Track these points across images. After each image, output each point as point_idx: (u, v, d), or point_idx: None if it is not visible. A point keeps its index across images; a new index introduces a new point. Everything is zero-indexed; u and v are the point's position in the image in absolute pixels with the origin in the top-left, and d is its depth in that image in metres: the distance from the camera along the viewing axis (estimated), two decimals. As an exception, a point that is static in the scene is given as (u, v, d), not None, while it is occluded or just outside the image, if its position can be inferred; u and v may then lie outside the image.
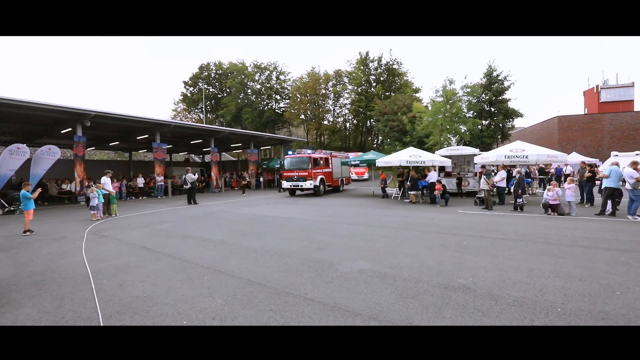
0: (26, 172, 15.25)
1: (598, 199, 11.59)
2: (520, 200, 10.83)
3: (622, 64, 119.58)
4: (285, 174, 18.69)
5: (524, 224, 8.39)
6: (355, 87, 44.96)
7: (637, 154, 20.37)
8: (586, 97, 51.42)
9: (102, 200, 11.30)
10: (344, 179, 22.66)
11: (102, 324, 3.37)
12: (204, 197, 19.07)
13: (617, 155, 21.43)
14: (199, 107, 51.56)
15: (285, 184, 18.62)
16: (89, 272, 5.09)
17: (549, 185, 10.27)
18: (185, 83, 52.54)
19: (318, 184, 18.01)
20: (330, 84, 47.68)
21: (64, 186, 17.98)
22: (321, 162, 18.99)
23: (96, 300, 3.96)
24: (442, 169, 17.33)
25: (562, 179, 19.48)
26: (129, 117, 17.69)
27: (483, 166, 12.78)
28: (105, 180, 11.82)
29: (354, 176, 30.47)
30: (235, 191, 24.75)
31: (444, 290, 4.05)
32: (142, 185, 20.15)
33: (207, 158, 32.49)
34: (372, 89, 43.34)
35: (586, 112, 45.83)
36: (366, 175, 31.72)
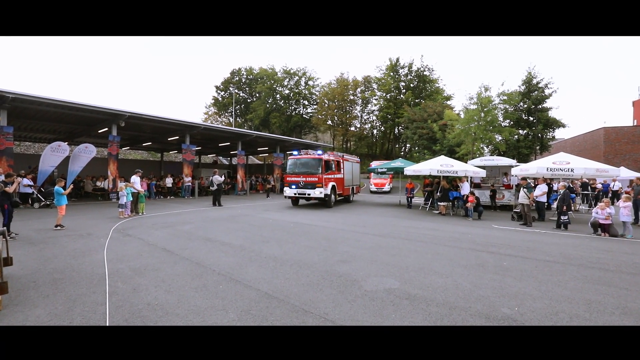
0: (66, 168, 16.04)
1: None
2: (565, 217, 9.84)
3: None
4: (288, 178, 15.13)
5: (572, 245, 7.53)
6: (384, 94, 44.25)
7: (699, 171, 18.34)
8: (636, 108, 47.50)
9: (131, 199, 11.53)
10: (354, 187, 19.39)
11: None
12: (229, 199, 19.20)
13: (673, 172, 19.38)
14: (229, 110, 52.86)
15: (288, 191, 15.10)
16: (106, 273, 5.00)
17: (601, 202, 9.24)
18: (217, 87, 54.15)
19: (329, 193, 14.70)
20: (359, 90, 47.24)
21: (98, 183, 18.76)
22: (333, 165, 15.49)
23: (107, 305, 3.79)
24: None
25: (610, 195, 17.83)
26: (160, 119, 18.23)
27: (524, 179, 11.82)
28: (135, 179, 12.07)
29: (372, 187, 27.17)
30: (260, 194, 24.84)
31: (485, 320, 3.52)
32: (170, 185, 20.64)
33: (234, 160, 33.02)
34: (402, 96, 42.41)
35: (636, 124, 42.32)
36: (387, 187, 26.81)
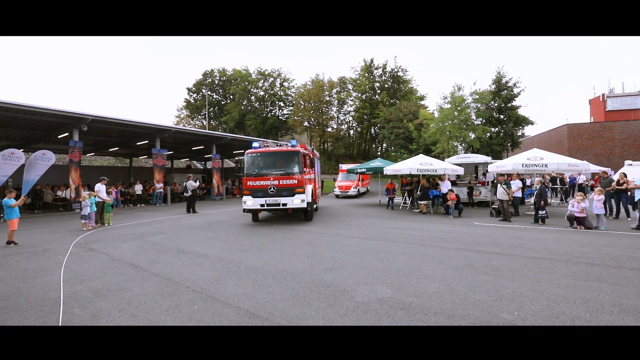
0: (22, 178, 14.64)
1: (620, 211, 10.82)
2: (543, 212, 10.02)
3: (629, 68, 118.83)
4: (249, 182, 10.38)
5: (553, 239, 7.58)
6: (360, 94, 44.47)
7: (653, 163, 19.57)
8: (592, 106, 50.74)
9: (95, 209, 10.62)
10: (319, 190, 16.73)
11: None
12: (205, 205, 18.37)
13: (631, 164, 20.61)
14: (202, 113, 51.22)
15: (250, 202, 10.32)
16: (62, 297, 4.36)
17: (577, 196, 9.47)
18: (189, 90, 52.31)
19: (310, 200, 11.05)
20: (335, 90, 47.17)
21: (59, 193, 17.37)
22: (308, 162, 12.24)
23: (59, 339, 3.22)
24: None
25: (576, 188, 18.64)
26: (127, 122, 17.14)
27: (502, 175, 12.01)
28: (100, 188, 11.14)
29: (336, 191, 23.53)
30: (237, 199, 24.03)
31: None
32: (140, 192, 19.50)
33: (209, 165, 31.91)
34: (377, 96, 42.80)
35: (592, 121, 45.11)
36: (353, 191, 22.83)
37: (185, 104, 52.93)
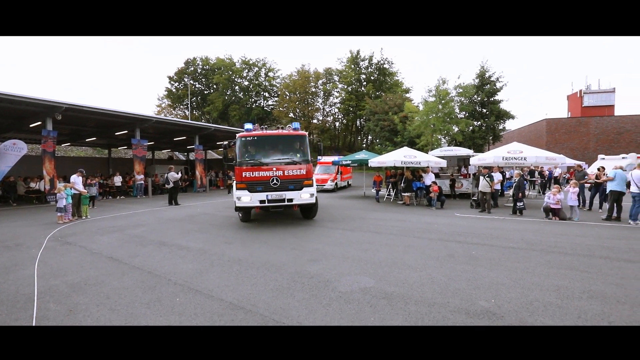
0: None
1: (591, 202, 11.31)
2: (521, 204, 10.36)
3: (605, 65, 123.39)
4: (246, 173, 8.43)
5: (530, 230, 7.87)
6: (346, 86, 44.30)
7: (623, 157, 20.49)
8: (570, 101, 52.37)
9: (71, 201, 10.24)
10: None
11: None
12: (187, 197, 18.03)
13: (604, 159, 21.54)
14: (184, 103, 49.87)
15: (247, 198, 8.38)
16: (36, 293, 4.21)
17: (553, 188, 9.83)
18: (170, 78, 50.72)
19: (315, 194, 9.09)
20: (320, 82, 46.81)
21: (32, 184, 16.63)
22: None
23: (32, 335, 3.11)
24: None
25: (553, 181, 19.35)
26: (105, 111, 16.51)
27: (485, 168, 12.30)
28: (76, 179, 10.73)
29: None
30: (221, 190, 23.72)
31: (466, 317, 3.39)
32: (119, 184, 18.94)
33: (192, 156, 31.25)
34: (363, 88, 42.78)
35: (570, 116, 46.66)
36: (329, 185, 20.63)
37: (166, 93, 51.36)
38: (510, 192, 11.84)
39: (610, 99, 48.05)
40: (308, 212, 9.65)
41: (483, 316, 3.39)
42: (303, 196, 8.56)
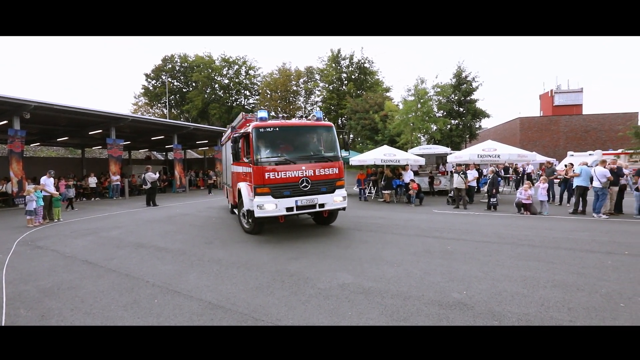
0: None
1: (557, 197, 11.91)
2: (494, 199, 10.79)
3: (574, 65, 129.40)
4: (270, 174, 6.66)
5: (503, 225, 8.23)
6: (327, 85, 44.44)
7: (590, 154, 21.62)
8: (542, 100, 54.60)
9: (42, 204, 9.84)
10: None
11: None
12: (166, 198, 17.64)
13: (572, 155, 22.68)
14: (162, 101, 48.51)
15: (271, 206, 6.64)
16: (4, 299, 4.06)
17: (525, 184, 10.29)
18: (147, 76, 49.19)
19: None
20: (302, 80, 46.75)
21: (-1, 187, 15.81)
22: None
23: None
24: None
25: (526, 178, 20.16)
26: (78, 110, 15.87)
27: (459, 165, 12.71)
28: (46, 181, 10.31)
29: None
30: (201, 191, 23.33)
31: (438, 308, 3.54)
32: (94, 185, 18.30)
33: (171, 155, 30.52)
34: (344, 87, 42.99)
35: (542, 114, 48.73)
36: None
37: (143, 90, 49.83)
38: (486, 188, 12.31)
39: (578, 98, 50.44)
40: (330, 217, 8.21)
41: (455, 307, 3.55)
42: (336, 199, 7.17)
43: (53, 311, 3.70)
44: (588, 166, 10.01)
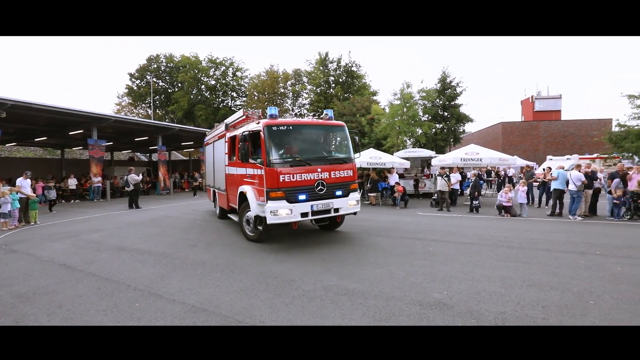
0: None
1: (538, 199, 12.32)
2: (477, 202, 11.07)
3: (555, 72, 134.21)
4: (285, 176, 6.14)
5: (484, 227, 8.45)
6: (314, 88, 44.59)
7: (567, 158, 22.43)
8: (523, 106, 56.42)
9: (18, 206, 9.50)
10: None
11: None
12: (150, 200, 17.30)
13: (551, 159, 23.47)
14: (146, 101, 47.59)
15: (285, 211, 6.08)
16: (-24, 304, 3.92)
17: (505, 187, 10.60)
18: (132, 75, 48.16)
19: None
20: (289, 83, 46.76)
21: (-28, 188, 15.13)
22: None
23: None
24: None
25: (507, 181, 20.74)
26: (58, 109, 15.39)
27: (443, 168, 13.00)
28: (22, 183, 9.97)
29: None
30: (186, 193, 22.97)
31: (419, 308, 3.62)
32: (74, 187, 17.77)
33: (155, 157, 29.94)
34: (331, 90, 43.24)
35: (523, 120, 50.30)
36: None
37: (127, 90, 48.78)
38: (468, 191, 12.61)
39: (557, 104, 52.29)
40: (338, 222, 7.89)
41: (435, 307, 3.64)
42: (350, 203, 6.79)
43: (28, 317, 3.59)
44: (565, 170, 10.40)
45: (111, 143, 25.72)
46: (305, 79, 46.35)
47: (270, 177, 6.12)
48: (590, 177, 9.78)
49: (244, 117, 7.73)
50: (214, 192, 10.52)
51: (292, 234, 7.81)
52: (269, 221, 6.06)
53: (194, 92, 46.25)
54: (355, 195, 6.98)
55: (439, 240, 6.94)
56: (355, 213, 7.13)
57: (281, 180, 6.10)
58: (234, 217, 8.05)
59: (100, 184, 17.73)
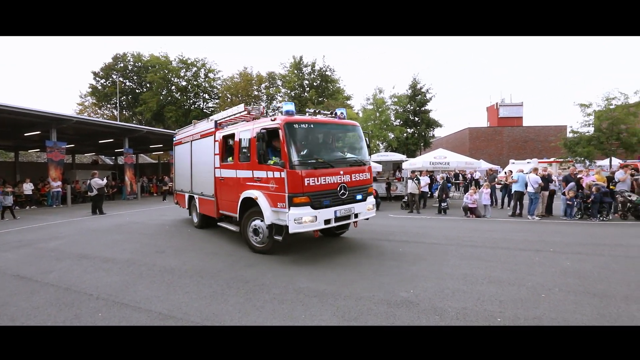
0: None
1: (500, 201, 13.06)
2: (445, 204, 11.54)
3: (516, 82, 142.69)
4: (308, 180, 5.52)
5: (451, 227, 8.83)
6: (289, 91, 44.63)
7: (528, 162, 23.88)
8: (489, 112, 59.53)
9: (-36, 213, 8.76)
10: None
11: None
12: (115, 205, 16.51)
13: (514, 163, 24.89)
14: (112, 102, 45.44)
15: (308, 218, 5.48)
16: None
17: (470, 190, 11.14)
18: (96, 74, 45.83)
19: None
20: (263, 85, 46.52)
21: None
22: None
23: None
24: None
25: (473, 184, 21.76)
26: (11, 108, 14.35)
27: (413, 171, 13.45)
28: (-29, 187, 9.22)
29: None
30: (154, 198, 22.13)
31: (387, 307, 3.75)
32: (30, 192, 16.61)
33: (121, 160, 28.62)
34: (306, 94, 43.48)
35: (489, 125, 53.01)
36: None
37: (90, 90, 46.35)
38: (437, 193, 13.12)
39: (519, 111, 55.65)
40: (345, 227, 7.41)
41: (402, 305, 3.78)
42: (368, 208, 6.48)
43: (-24, 331, 3.34)
44: (524, 173, 11.11)
45: (73, 145, 24.33)
46: (279, 82, 46.26)
47: (293, 180, 5.45)
48: (547, 179, 10.52)
49: (245, 112, 6.99)
50: (191, 197, 9.35)
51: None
52: (291, 230, 5.38)
53: (163, 93, 44.75)
54: (372, 200, 6.65)
55: (408, 241, 7.18)
56: (367, 218, 6.68)
57: (306, 184, 5.50)
58: (230, 227, 7.17)
59: (59, 189, 16.70)
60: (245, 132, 6.55)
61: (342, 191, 5.90)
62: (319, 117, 6.62)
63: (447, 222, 9.90)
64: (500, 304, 3.76)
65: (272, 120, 5.91)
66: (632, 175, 10.30)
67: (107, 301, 4.08)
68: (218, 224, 7.80)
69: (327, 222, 5.69)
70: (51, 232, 9.16)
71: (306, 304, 3.87)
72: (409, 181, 12.45)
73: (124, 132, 20.84)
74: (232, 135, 7.08)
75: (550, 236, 7.48)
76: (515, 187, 10.79)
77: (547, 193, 10.63)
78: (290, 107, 6.04)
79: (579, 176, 10.36)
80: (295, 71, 43.80)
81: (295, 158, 5.52)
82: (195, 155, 9.01)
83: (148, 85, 46.30)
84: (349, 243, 7.04)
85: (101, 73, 46.16)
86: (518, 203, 10.67)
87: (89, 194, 13.59)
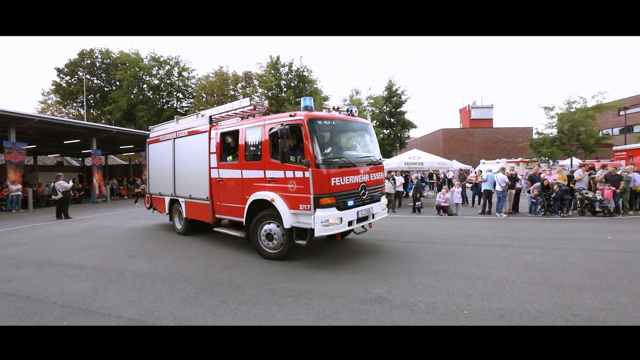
0: None
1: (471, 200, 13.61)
2: (419, 203, 11.88)
3: (487, 83, 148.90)
4: (337, 179, 5.32)
5: (424, 226, 9.12)
6: (266, 91, 44.28)
7: (497, 162, 24.99)
8: (461, 114, 61.80)
9: None
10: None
11: None
12: (82, 209, 15.74)
13: (484, 163, 25.98)
14: (78, 100, 43.26)
15: (335, 220, 5.20)
16: None
17: (443, 189, 11.53)
18: (60, 70, 43.45)
19: None
20: (240, 85, 45.88)
21: None
22: None
23: None
24: None
25: (446, 183, 22.50)
26: (-35, 107, 13.38)
27: (389, 172, 13.75)
28: None
29: None
30: (125, 200, 21.28)
31: (361, 304, 3.84)
32: (-14, 196, 15.52)
33: (88, 162, 27.28)
34: (283, 94, 43.30)
35: (461, 127, 54.99)
36: None
37: (54, 87, 43.90)
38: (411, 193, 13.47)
39: (490, 113, 58.15)
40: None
41: (375, 302, 3.89)
42: (383, 207, 6.43)
43: None
44: (492, 173, 11.64)
45: (34, 146, 22.97)
46: (256, 82, 45.77)
47: (320, 180, 5.16)
48: (513, 178, 11.08)
49: (251, 106, 6.59)
50: (173, 201, 8.58)
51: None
52: (317, 233, 5.10)
53: (134, 91, 43.13)
54: (384, 199, 6.67)
55: (383, 239, 7.36)
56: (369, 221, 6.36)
57: (332, 184, 5.25)
58: (232, 232, 6.69)
59: (19, 193, 15.70)
60: (253, 128, 6.09)
61: (362, 191, 5.78)
62: (335, 114, 6.25)
63: (420, 220, 10.21)
64: (467, 297, 3.95)
65: (291, 115, 5.55)
66: (589, 174, 11.07)
67: (73, 309, 3.91)
68: (214, 229, 7.17)
69: (350, 223, 5.49)
70: (10, 238, 8.62)
71: (281, 304, 3.89)
72: (385, 181, 12.69)
73: (92, 132, 19.91)
74: (234, 132, 6.56)
75: (516, 232, 7.90)
76: (484, 186, 11.28)
77: (513, 191, 11.19)
78: (309, 102, 5.75)
79: (542, 175, 10.98)
80: (273, 71, 43.49)
81: (319, 156, 5.22)
82: (181, 155, 8.21)
83: (118, 83, 44.47)
84: (324, 243, 7.10)
85: (66, 70, 43.88)
86: (487, 201, 11.17)
87: (53, 197, 12.86)
